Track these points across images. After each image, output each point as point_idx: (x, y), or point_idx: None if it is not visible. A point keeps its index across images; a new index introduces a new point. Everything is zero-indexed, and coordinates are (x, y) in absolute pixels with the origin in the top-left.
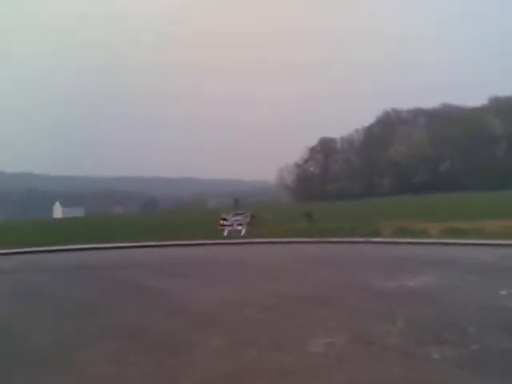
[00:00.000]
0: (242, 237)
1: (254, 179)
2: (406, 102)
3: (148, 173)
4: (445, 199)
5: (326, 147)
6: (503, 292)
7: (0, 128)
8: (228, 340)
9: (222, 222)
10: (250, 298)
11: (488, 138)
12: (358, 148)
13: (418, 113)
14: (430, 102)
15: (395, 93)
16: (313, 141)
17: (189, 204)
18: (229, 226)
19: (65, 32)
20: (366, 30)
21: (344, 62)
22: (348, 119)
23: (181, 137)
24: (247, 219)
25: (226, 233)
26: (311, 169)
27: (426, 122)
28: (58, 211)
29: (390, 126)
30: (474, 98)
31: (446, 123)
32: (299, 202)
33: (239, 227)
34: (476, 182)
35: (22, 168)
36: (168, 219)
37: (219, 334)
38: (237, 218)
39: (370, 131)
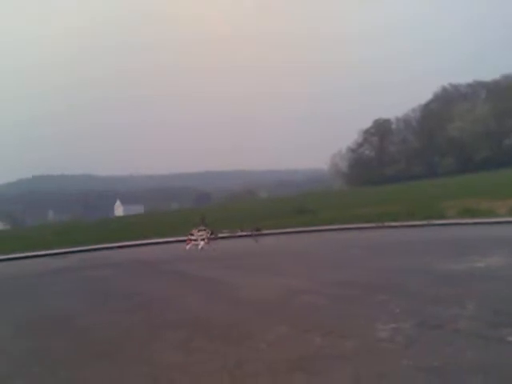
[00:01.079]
0: (200, 250)
1: (307, 168)
2: (463, 77)
3: (200, 168)
4: (510, 175)
5: (381, 129)
6: None
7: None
8: (292, 327)
9: (189, 236)
10: (312, 286)
11: None
12: (415, 127)
13: (477, 86)
14: (489, 75)
15: (451, 69)
16: (367, 124)
17: (241, 196)
18: (194, 240)
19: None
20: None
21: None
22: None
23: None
24: (208, 235)
25: (188, 247)
26: (366, 152)
27: (486, 96)
28: (119, 209)
29: (448, 101)
30: None
31: (509, 95)
32: (355, 187)
33: (201, 242)
34: None
35: (81, 170)
36: (220, 211)
37: (283, 322)
38: (200, 233)
39: (427, 109)
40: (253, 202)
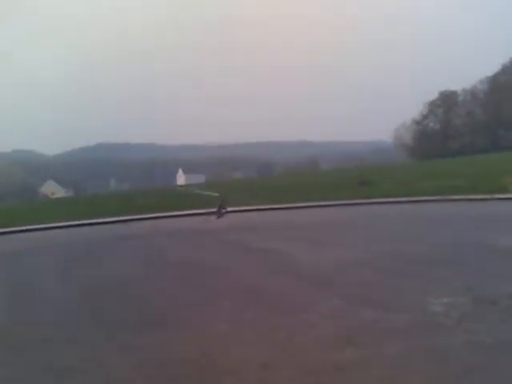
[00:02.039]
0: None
1: (370, 139)
2: None
3: (263, 138)
4: None
5: (446, 101)
6: None
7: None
8: (345, 300)
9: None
10: (369, 259)
11: None
12: (483, 100)
13: None
14: None
15: None
16: (432, 95)
17: (303, 167)
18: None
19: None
20: None
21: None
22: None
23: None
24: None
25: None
26: (431, 125)
27: None
28: (181, 179)
29: None
30: None
31: None
32: (418, 160)
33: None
34: None
35: (145, 139)
36: (281, 183)
37: (336, 294)
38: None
39: (495, 81)
40: (315, 173)
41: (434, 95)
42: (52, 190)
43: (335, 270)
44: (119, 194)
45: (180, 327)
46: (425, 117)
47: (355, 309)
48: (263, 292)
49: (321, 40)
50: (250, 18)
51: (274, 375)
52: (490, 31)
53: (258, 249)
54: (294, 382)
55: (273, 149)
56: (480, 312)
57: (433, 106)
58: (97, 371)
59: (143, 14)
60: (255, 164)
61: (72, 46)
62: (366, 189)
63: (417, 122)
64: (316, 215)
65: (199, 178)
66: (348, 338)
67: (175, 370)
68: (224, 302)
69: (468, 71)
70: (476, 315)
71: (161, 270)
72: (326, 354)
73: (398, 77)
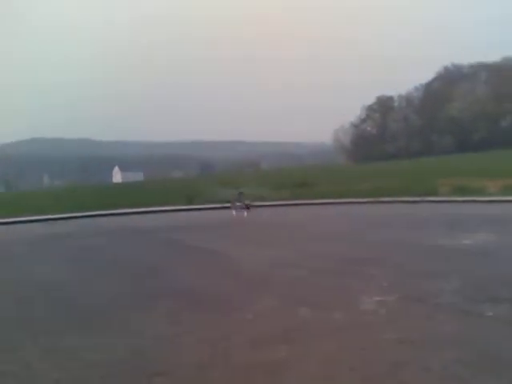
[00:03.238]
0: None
1: (310, 141)
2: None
3: (205, 137)
4: (505, 156)
5: (383, 106)
6: None
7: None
8: (280, 300)
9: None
10: (301, 259)
11: None
12: (417, 106)
13: (479, 67)
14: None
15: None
16: (370, 100)
17: (243, 167)
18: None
19: None
20: None
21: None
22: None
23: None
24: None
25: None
26: (368, 128)
27: (487, 77)
28: (117, 176)
29: (450, 81)
30: None
31: (508, 77)
32: (356, 162)
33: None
34: None
35: (79, 134)
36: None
37: (272, 294)
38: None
39: (429, 88)
40: (255, 173)
41: (372, 99)
42: None
43: (270, 269)
44: (52, 190)
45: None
46: (362, 120)
47: (290, 308)
48: (199, 293)
49: (268, 32)
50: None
51: (208, 375)
52: (426, 40)
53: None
54: (226, 381)
55: (211, 148)
56: (408, 310)
57: (370, 110)
58: None
59: None
60: (195, 163)
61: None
62: (305, 190)
63: (355, 126)
64: (252, 215)
65: (137, 176)
66: (281, 336)
67: (104, 370)
68: (163, 303)
69: (405, 77)
70: (404, 313)
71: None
72: (260, 352)
73: (339, 79)
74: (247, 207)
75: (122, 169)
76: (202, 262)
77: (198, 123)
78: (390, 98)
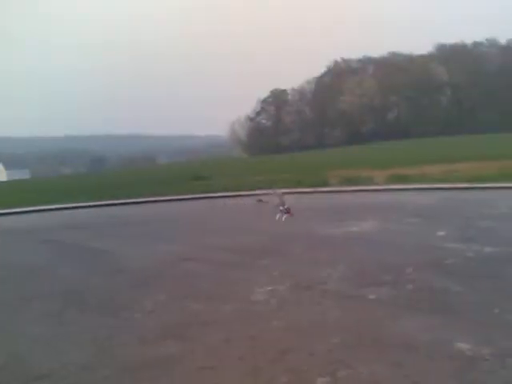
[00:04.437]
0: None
1: (206, 134)
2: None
3: (96, 131)
4: (391, 147)
5: (277, 99)
6: (440, 233)
7: None
8: (170, 295)
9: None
10: (195, 252)
11: (433, 86)
12: (310, 99)
13: (366, 62)
14: (378, 51)
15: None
16: (265, 93)
17: (139, 161)
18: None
19: None
20: None
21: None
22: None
23: (128, 90)
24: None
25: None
26: (263, 121)
27: (374, 71)
28: (1, 174)
29: (339, 75)
30: (421, 45)
31: (394, 71)
32: (252, 155)
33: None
34: (421, 130)
35: None
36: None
37: (163, 290)
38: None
39: (320, 82)
40: (150, 168)
41: (267, 93)
42: None
43: (161, 264)
44: None
45: None
46: (258, 113)
47: (180, 302)
48: (84, 293)
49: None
50: None
51: (93, 374)
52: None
53: (86, 247)
54: (112, 380)
55: (106, 142)
56: (297, 297)
57: (265, 103)
58: None
59: None
60: (86, 158)
61: None
62: (201, 183)
63: (250, 119)
64: (146, 211)
65: (23, 174)
66: (170, 332)
67: None
68: (38, 304)
69: (298, 71)
70: (293, 301)
71: None
72: (147, 350)
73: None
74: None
75: (8, 166)
76: (89, 261)
77: (92, 116)
78: (284, 91)
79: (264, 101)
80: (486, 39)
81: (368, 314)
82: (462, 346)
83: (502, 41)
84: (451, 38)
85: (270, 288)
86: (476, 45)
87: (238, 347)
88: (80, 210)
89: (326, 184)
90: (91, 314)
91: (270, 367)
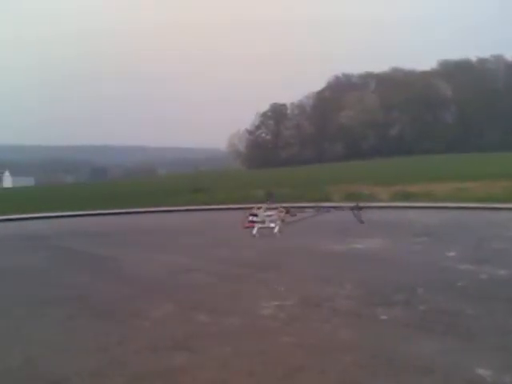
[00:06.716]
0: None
1: (205, 147)
2: (356, 67)
3: (98, 141)
4: (394, 163)
5: (277, 113)
6: (451, 254)
7: None
8: (178, 305)
9: (250, 217)
10: (200, 265)
11: (437, 102)
12: (309, 113)
13: (368, 77)
14: (380, 66)
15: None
16: (264, 107)
17: (139, 172)
18: (259, 222)
19: None
20: None
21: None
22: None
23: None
24: (282, 214)
25: (255, 231)
26: (263, 135)
27: (375, 87)
28: (8, 181)
29: (340, 90)
30: (423, 61)
31: (396, 87)
32: (251, 168)
33: (272, 224)
34: (425, 147)
35: None
36: (115, 188)
37: (170, 300)
38: (269, 213)
39: (320, 96)
40: (151, 178)
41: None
42: None
43: (168, 275)
44: None
45: None
46: (257, 127)
47: (187, 313)
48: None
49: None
50: None
51: (102, 383)
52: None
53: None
54: None
55: (107, 153)
56: (305, 314)
57: (264, 117)
58: None
59: None
60: (89, 168)
61: None
62: (200, 195)
63: (249, 132)
64: (147, 222)
65: (28, 181)
66: (179, 342)
67: None
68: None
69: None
70: (302, 317)
71: None
72: (157, 359)
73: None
74: (359, 208)
75: (13, 174)
76: (98, 269)
77: (95, 127)
78: (283, 106)
79: (263, 114)
80: (491, 55)
81: (381, 333)
82: (481, 371)
83: (508, 57)
84: (455, 54)
85: (276, 303)
86: (481, 61)
87: (248, 362)
88: (90, 218)
89: (327, 199)
90: (101, 320)
91: None
